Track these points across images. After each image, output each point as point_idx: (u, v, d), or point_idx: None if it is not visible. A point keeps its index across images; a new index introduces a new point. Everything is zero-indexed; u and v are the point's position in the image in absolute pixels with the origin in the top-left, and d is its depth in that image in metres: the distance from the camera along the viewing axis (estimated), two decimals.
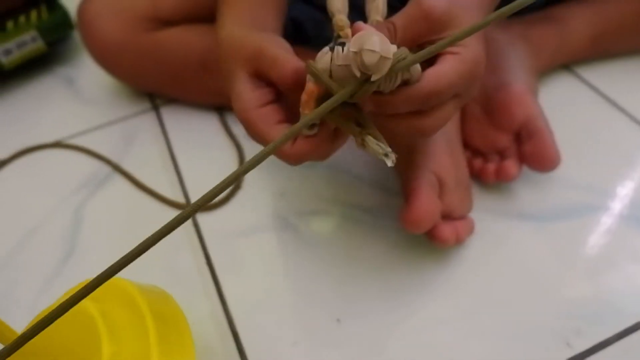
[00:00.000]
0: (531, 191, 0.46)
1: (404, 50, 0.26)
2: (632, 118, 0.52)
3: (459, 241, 0.40)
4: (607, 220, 0.44)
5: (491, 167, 0.45)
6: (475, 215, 0.44)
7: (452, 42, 0.25)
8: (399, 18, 0.29)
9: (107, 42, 0.54)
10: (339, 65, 0.26)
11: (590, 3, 0.53)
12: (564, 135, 0.49)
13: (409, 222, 0.37)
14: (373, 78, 0.25)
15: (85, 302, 0.30)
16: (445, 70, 0.28)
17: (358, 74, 0.25)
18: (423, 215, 0.37)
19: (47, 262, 0.45)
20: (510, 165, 0.44)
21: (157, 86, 0.59)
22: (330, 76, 0.27)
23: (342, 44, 0.27)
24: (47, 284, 0.44)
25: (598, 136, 0.50)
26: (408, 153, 0.42)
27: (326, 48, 0.28)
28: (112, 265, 0.21)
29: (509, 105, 0.45)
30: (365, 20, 0.32)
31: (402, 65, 0.25)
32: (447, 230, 0.39)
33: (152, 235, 0.21)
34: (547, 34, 0.52)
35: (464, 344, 0.37)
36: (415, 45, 0.30)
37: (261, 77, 0.31)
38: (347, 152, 0.51)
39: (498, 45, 0.50)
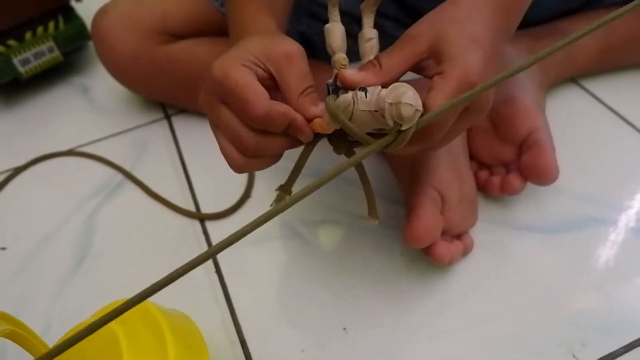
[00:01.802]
0: (537, 203, 0.46)
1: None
2: (638, 130, 0.52)
3: (452, 262, 0.40)
4: (613, 232, 0.44)
5: (496, 180, 0.45)
6: (482, 226, 0.44)
7: (475, 95, 0.26)
8: (383, 55, 0.30)
9: (121, 54, 0.55)
10: (363, 111, 0.28)
11: (597, 17, 0.54)
12: (571, 147, 0.50)
13: (410, 238, 0.38)
14: (404, 127, 0.27)
15: (112, 323, 0.31)
16: (434, 99, 0.28)
17: (391, 124, 0.27)
18: (424, 232, 0.37)
19: (61, 267, 0.46)
20: (515, 178, 0.44)
21: (169, 96, 0.60)
22: (350, 119, 0.28)
23: (364, 90, 0.28)
24: (61, 288, 0.45)
25: (604, 148, 0.51)
26: (411, 168, 0.42)
27: (349, 95, 0.28)
28: (141, 293, 0.22)
29: (514, 118, 0.45)
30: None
31: (425, 118, 0.27)
32: (442, 249, 0.39)
33: (179, 268, 0.22)
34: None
35: (470, 353, 0.38)
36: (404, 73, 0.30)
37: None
38: None
39: (506, 59, 0.50)
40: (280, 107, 0.29)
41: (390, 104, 0.26)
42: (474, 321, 0.39)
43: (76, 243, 0.48)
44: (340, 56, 0.31)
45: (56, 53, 0.64)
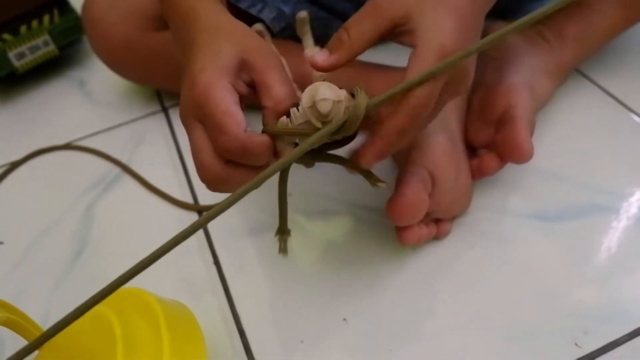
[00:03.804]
0: (539, 191, 0.46)
1: (356, 90, 0.28)
2: None
3: (416, 245, 0.40)
4: (615, 221, 0.43)
5: (474, 162, 0.44)
6: (482, 214, 0.44)
7: (447, 67, 0.25)
8: (351, 24, 0.29)
9: (113, 41, 0.54)
10: (300, 124, 0.27)
11: None
12: (572, 134, 0.49)
13: (391, 215, 0.37)
14: (334, 121, 0.27)
15: (108, 312, 0.31)
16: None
17: (320, 125, 0.27)
18: (405, 210, 0.36)
19: (59, 260, 0.46)
20: (489, 158, 0.42)
21: (164, 82, 0.59)
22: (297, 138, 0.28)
23: (295, 105, 0.28)
24: (59, 281, 0.45)
25: (606, 135, 0.50)
26: (408, 148, 0.42)
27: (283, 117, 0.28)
28: (128, 271, 0.22)
29: (494, 96, 0.44)
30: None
31: (373, 103, 0.27)
32: (410, 234, 0.38)
33: (166, 243, 0.22)
34: (569, 20, 0.49)
35: (471, 342, 0.37)
36: (377, 40, 0.29)
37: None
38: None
39: (515, 51, 0.48)
40: (257, 137, 0.27)
41: (310, 107, 0.26)
42: (475, 310, 0.39)
43: (74, 236, 0.48)
44: None
45: (52, 47, 0.64)
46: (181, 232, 0.22)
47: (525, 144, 0.40)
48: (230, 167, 0.29)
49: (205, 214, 0.23)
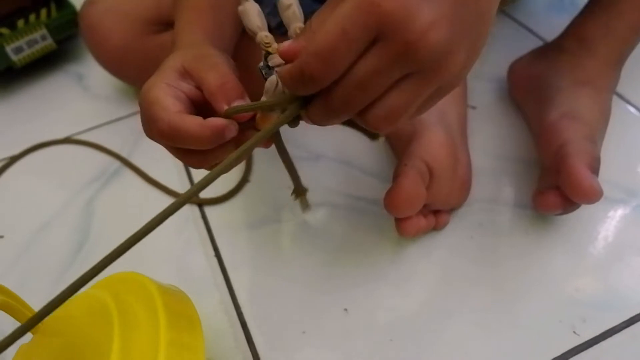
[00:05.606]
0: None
1: None
2: (637, 109, 0.52)
3: (415, 236, 0.41)
4: (613, 210, 0.44)
5: (535, 195, 0.43)
6: (481, 205, 0.44)
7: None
8: (315, 16, 0.25)
9: (112, 46, 0.54)
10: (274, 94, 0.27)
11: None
12: None
13: (390, 206, 0.37)
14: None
15: (105, 295, 0.31)
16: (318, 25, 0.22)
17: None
18: (403, 202, 0.37)
19: (60, 255, 0.46)
20: (548, 193, 0.41)
21: None
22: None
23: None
24: (60, 275, 0.45)
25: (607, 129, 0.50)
26: (407, 141, 0.42)
27: (273, 77, 0.28)
28: (117, 248, 0.22)
29: (541, 142, 0.44)
30: None
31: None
32: (410, 225, 0.39)
33: (153, 219, 0.22)
34: (585, 22, 0.46)
35: (470, 332, 0.38)
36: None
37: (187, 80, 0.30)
38: (352, 145, 0.51)
39: (541, 78, 0.47)
40: (189, 117, 0.28)
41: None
42: (475, 299, 0.39)
43: (74, 230, 0.48)
44: (262, 35, 0.28)
45: (49, 41, 0.64)
46: (168, 207, 0.22)
47: (585, 181, 0.36)
48: (185, 155, 0.30)
49: (195, 184, 0.23)
